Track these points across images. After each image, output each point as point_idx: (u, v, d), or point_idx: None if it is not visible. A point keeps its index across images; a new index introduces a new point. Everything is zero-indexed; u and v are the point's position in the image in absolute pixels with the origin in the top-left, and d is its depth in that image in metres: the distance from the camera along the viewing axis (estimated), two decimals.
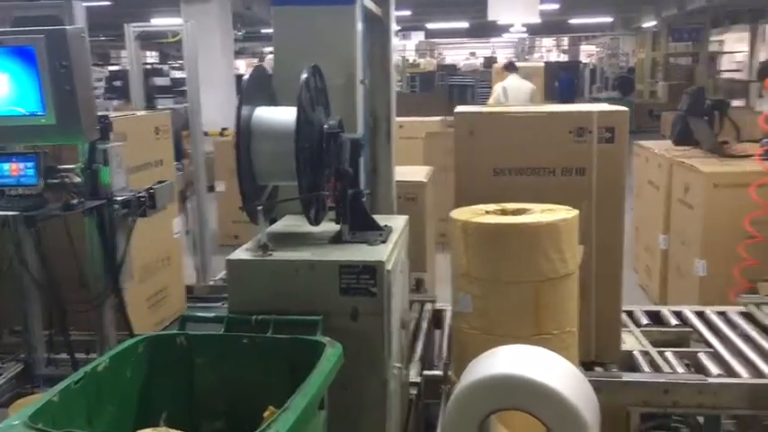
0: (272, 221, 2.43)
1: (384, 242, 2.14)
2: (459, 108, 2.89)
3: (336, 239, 2.16)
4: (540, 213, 2.40)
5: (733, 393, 2.53)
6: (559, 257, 2.29)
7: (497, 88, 8.85)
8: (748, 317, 3.24)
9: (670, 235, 4.62)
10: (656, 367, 2.72)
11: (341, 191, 2.15)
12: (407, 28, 24.03)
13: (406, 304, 2.62)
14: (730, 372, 2.71)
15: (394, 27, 3.35)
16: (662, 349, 2.89)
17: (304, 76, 2.10)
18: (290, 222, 2.41)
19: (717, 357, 2.84)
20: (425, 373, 2.72)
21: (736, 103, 13.99)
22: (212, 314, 2.01)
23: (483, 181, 2.68)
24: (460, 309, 2.36)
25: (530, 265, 2.28)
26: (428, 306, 3.50)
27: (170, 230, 3.96)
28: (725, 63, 21.91)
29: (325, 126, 2.15)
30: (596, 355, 2.73)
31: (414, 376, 2.69)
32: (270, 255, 2.00)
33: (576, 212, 2.38)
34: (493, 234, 2.31)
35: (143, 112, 4.22)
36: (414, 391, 2.59)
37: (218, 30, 10.69)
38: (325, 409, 1.65)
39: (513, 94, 8.52)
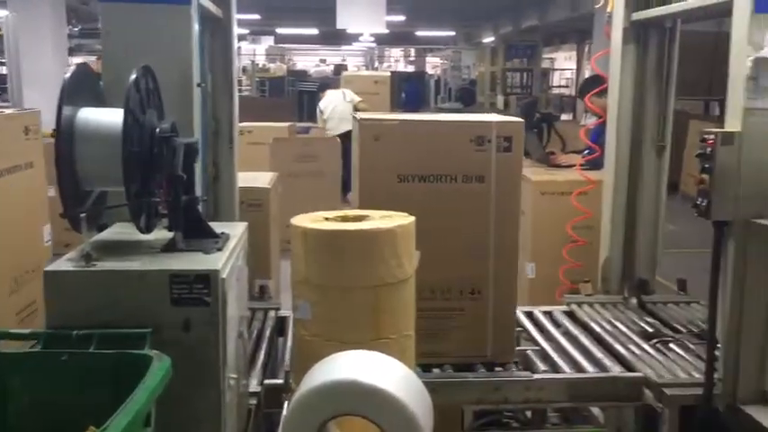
0: (102, 228, 2.29)
1: (220, 250, 2.09)
2: (366, 115, 2.90)
3: (169, 248, 2.07)
4: (379, 220, 2.45)
5: (555, 388, 2.71)
6: (397, 263, 2.34)
7: (317, 111, 9.55)
8: (571, 315, 3.49)
9: None
10: (489, 367, 2.85)
11: (174, 197, 2.07)
12: (257, 32, 23.73)
13: (245, 312, 2.57)
14: (554, 367, 2.90)
15: (237, 30, 3.30)
16: None
17: (133, 76, 2.01)
18: (121, 230, 2.28)
19: (543, 355, 3.02)
20: (267, 382, 2.69)
21: (565, 116, 15.10)
22: (28, 330, 1.85)
23: (387, 187, 2.72)
24: (300, 316, 2.34)
25: (369, 271, 2.31)
26: (272, 313, 3.47)
27: (40, 238, 3.63)
28: (556, 79, 23.59)
29: (157, 129, 2.06)
30: (492, 355, 2.83)
31: (254, 386, 2.65)
32: (94, 265, 1.89)
33: (412, 219, 2.44)
34: (332, 240, 2.33)
35: (11, 111, 3.84)
36: (254, 401, 2.55)
37: (50, 24, 9.98)
38: (152, 426, 1.58)
39: (331, 107, 9.39)
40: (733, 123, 2.64)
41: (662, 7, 3.37)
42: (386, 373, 1.93)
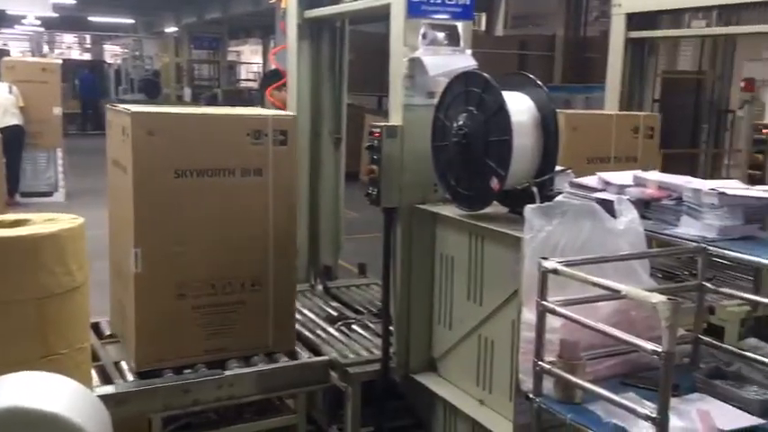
0: None
1: None
2: (135, 107, 2.70)
3: None
4: (42, 224, 2.21)
5: (247, 382, 2.70)
6: (63, 270, 2.13)
7: None
8: None
9: None
10: (177, 371, 2.72)
11: None
12: None
13: None
14: (247, 362, 2.89)
15: None
16: None
17: None
18: None
19: None
20: None
21: None
22: None
23: (164, 183, 2.61)
24: None
25: (29, 281, 2.08)
26: None
27: None
28: (244, 73, 23.71)
29: None
30: (274, 344, 2.86)
31: None
32: None
33: (81, 221, 2.24)
34: None
35: None
36: None
37: None
38: None
39: None
40: (396, 118, 2.88)
41: (329, 7, 3.56)
42: (53, 393, 1.75)
